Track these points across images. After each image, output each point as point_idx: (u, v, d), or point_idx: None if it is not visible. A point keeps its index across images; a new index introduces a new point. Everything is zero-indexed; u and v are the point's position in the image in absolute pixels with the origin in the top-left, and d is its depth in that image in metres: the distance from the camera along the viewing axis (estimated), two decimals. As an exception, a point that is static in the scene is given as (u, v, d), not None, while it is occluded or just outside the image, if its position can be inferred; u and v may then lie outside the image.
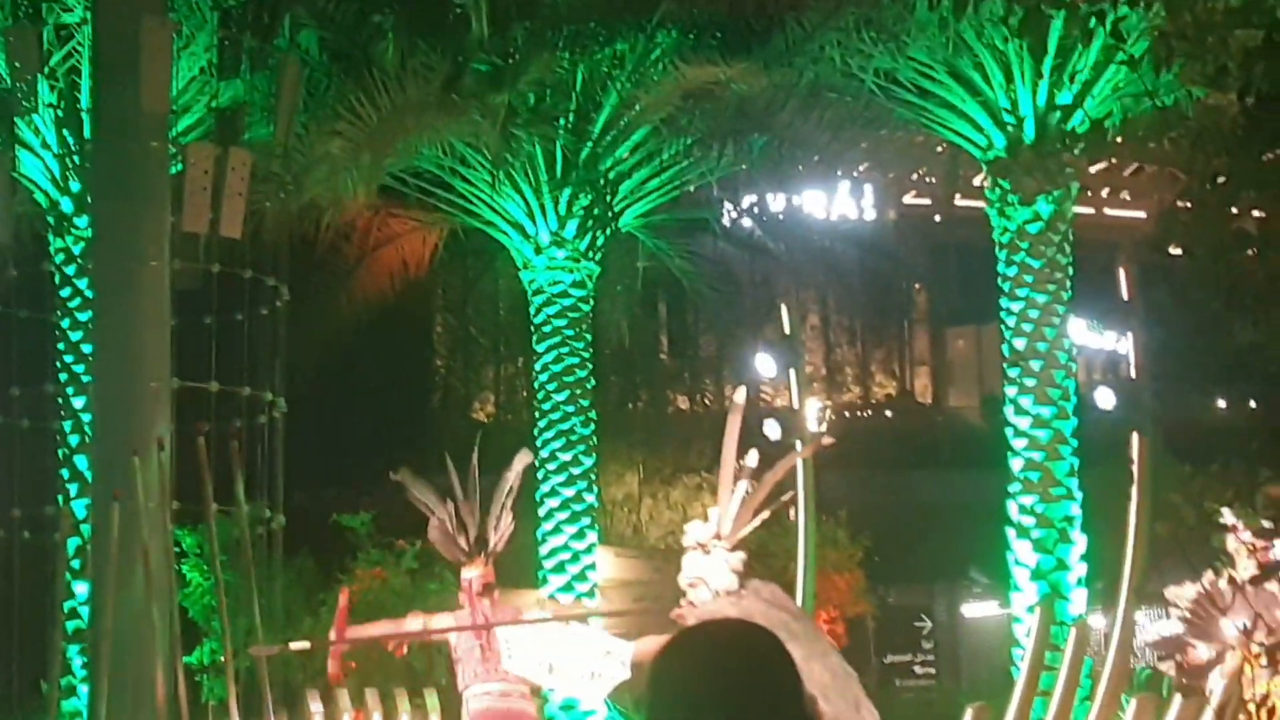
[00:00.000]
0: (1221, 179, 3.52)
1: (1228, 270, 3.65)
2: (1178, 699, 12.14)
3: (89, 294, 18.80)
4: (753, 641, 3.03)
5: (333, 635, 12.59)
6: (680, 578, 11.79)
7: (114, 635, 14.38)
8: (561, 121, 22.36)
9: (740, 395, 12.71)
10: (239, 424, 16.44)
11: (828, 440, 13.75)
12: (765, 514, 12.46)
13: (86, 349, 18.93)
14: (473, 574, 12.38)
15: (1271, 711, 3.54)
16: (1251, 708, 3.47)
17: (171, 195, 15.80)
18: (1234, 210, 3.49)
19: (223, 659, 14.59)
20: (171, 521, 15.48)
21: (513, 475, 12.76)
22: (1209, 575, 7.74)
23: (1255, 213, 3.48)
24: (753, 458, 12.17)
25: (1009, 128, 21.59)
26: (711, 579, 11.46)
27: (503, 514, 12.60)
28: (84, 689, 16.94)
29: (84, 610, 17.76)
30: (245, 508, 14.66)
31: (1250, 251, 3.55)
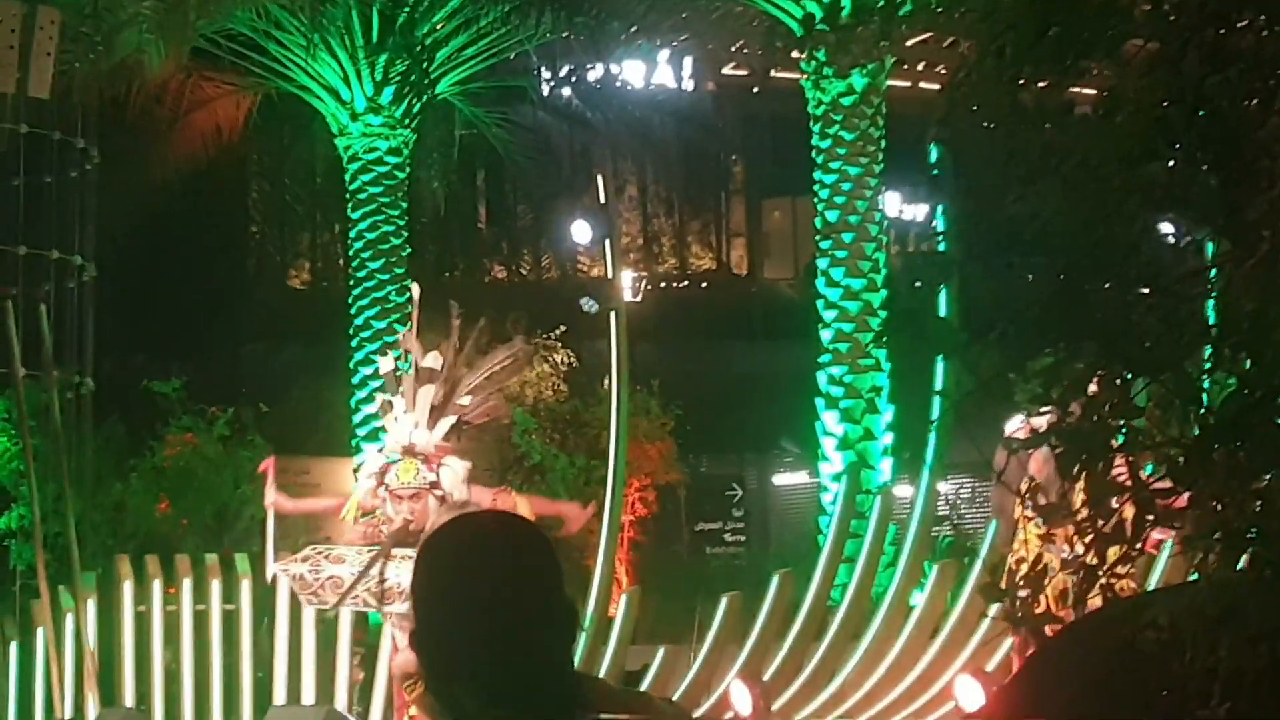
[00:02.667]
0: (1004, 51, 3.64)
1: (1005, 141, 3.77)
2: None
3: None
4: (519, 529, 3.13)
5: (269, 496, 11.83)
6: (384, 484, 10.99)
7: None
8: (378, -15, 22.16)
9: (416, 290, 12.40)
10: (47, 288, 16.25)
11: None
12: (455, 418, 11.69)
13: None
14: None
15: (1043, 572, 3.73)
16: (1024, 569, 3.63)
17: (-24, 54, 15.46)
18: (1015, 84, 3.61)
19: (31, 524, 14.45)
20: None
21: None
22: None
23: (1033, 86, 3.61)
24: (433, 359, 11.40)
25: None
26: (454, 490, 10.73)
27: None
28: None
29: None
30: (54, 373, 14.49)
31: (1027, 126, 3.68)
